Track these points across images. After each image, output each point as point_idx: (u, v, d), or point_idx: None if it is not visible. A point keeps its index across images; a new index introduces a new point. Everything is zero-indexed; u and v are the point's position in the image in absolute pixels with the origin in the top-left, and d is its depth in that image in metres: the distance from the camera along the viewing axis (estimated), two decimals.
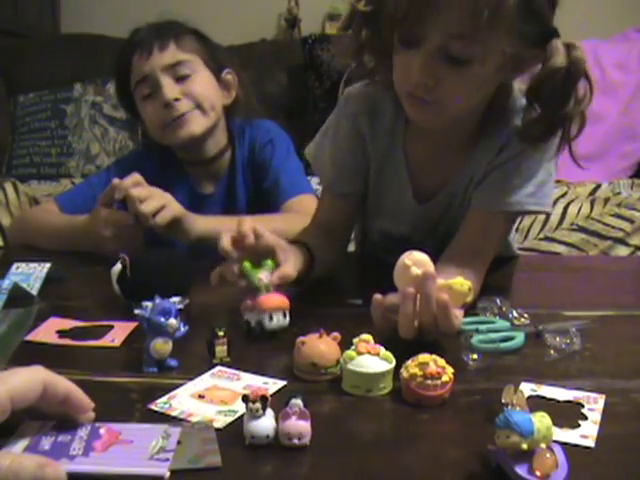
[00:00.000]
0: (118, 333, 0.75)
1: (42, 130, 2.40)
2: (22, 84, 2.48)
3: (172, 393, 0.60)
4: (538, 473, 0.46)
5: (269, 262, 0.79)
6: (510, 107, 0.94)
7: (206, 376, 0.64)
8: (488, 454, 0.50)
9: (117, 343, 0.72)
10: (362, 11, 0.86)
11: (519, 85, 0.94)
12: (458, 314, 0.71)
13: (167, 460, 0.47)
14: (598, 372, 0.68)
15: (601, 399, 0.60)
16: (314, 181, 1.44)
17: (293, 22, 2.80)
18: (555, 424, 0.49)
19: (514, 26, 0.79)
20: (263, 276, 0.77)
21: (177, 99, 1.21)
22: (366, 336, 0.64)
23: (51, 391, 0.49)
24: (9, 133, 2.43)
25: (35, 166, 2.36)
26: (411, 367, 0.60)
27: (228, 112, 1.32)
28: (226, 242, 0.80)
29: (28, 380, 0.48)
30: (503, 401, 0.53)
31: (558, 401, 0.60)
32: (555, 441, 0.49)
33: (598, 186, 2.12)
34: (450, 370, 0.60)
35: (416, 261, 0.70)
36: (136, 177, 1.05)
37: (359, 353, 0.62)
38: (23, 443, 0.48)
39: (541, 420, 0.48)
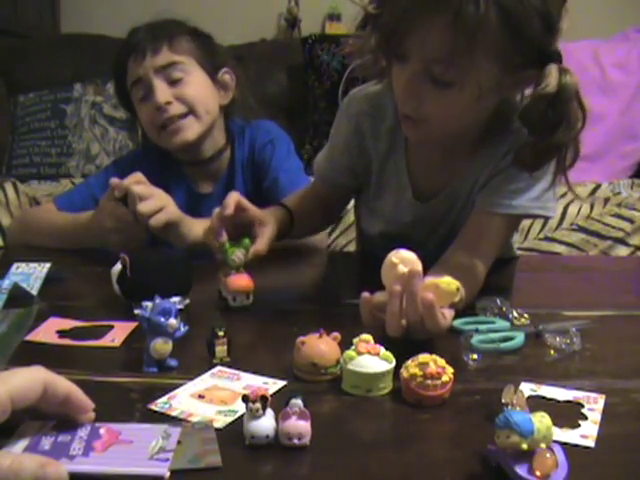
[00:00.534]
0: (118, 333, 0.75)
1: (42, 130, 2.40)
2: (22, 84, 2.48)
3: (172, 393, 0.60)
4: (538, 473, 0.46)
5: (246, 240, 0.87)
6: (514, 114, 0.94)
7: (206, 376, 0.64)
8: (488, 454, 0.50)
9: (117, 343, 0.72)
10: (373, 14, 0.86)
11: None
12: (447, 313, 0.71)
13: (167, 460, 0.47)
14: (598, 372, 0.68)
15: (601, 399, 0.60)
16: None
17: (293, 22, 2.80)
18: (555, 424, 0.49)
19: (497, 49, 0.77)
20: (236, 256, 0.85)
21: (169, 102, 1.21)
22: (366, 336, 0.64)
23: (51, 391, 0.49)
24: (9, 133, 2.43)
25: (35, 166, 2.36)
26: (411, 367, 0.60)
27: (226, 112, 1.32)
28: (216, 216, 0.87)
29: (28, 380, 0.48)
30: (503, 401, 0.53)
31: (558, 401, 0.60)
32: (555, 441, 0.49)
33: (598, 186, 2.12)
34: (450, 370, 0.60)
35: (403, 259, 0.70)
36: (138, 176, 1.05)
37: (359, 353, 0.62)
38: (23, 443, 0.48)
39: (541, 420, 0.48)
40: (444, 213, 1.03)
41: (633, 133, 2.37)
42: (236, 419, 0.55)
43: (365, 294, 0.72)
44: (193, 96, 1.23)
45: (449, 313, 0.72)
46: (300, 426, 0.51)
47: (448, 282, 0.70)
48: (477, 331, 0.73)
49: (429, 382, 0.59)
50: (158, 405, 0.58)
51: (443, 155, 0.99)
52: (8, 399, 0.46)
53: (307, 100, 2.50)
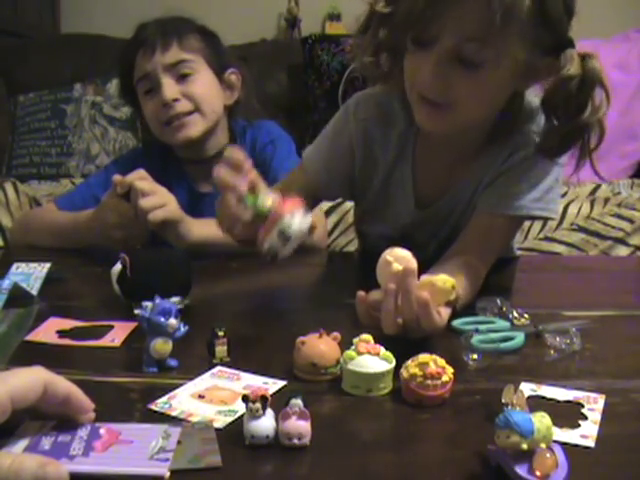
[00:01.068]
0: (118, 333, 0.75)
1: (42, 130, 2.40)
2: (22, 84, 2.48)
3: (172, 393, 0.60)
4: (538, 473, 0.46)
5: (262, 186, 0.78)
6: (521, 114, 0.94)
7: (206, 376, 0.64)
8: (488, 454, 0.50)
9: (117, 343, 0.72)
10: (381, 12, 0.86)
11: (532, 92, 0.94)
12: (443, 312, 0.71)
13: (167, 460, 0.47)
14: (598, 372, 0.68)
15: (601, 399, 0.60)
16: None
17: (293, 22, 2.80)
18: (555, 424, 0.49)
19: (527, 32, 0.79)
20: (265, 199, 0.75)
21: (176, 99, 1.21)
22: (366, 336, 0.64)
23: (51, 391, 0.49)
24: (9, 133, 2.42)
25: (35, 166, 2.36)
26: (411, 367, 0.60)
27: (230, 112, 1.32)
28: (223, 172, 0.77)
29: (28, 380, 0.48)
30: (503, 401, 0.53)
31: (558, 401, 0.60)
32: (555, 441, 0.49)
33: (598, 186, 2.12)
34: (450, 370, 0.60)
35: (397, 257, 0.70)
36: (141, 172, 1.05)
37: (359, 353, 0.62)
38: (23, 443, 0.48)
39: (541, 420, 0.48)
40: (445, 217, 1.03)
41: (633, 133, 2.37)
42: (236, 419, 0.55)
43: (360, 293, 0.72)
44: (200, 94, 1.23)
45: (445, 311, 0.72)
46: (300, 426, 0.51)
47: (444, 280, 0.70)
48: (477, 331, 0.73)
49: (429, 382, 0.59)
50: (158, 405, 0.58)
51: (449, 159, 0.99)
52: (8, 399, 0.46)
53: (307, 100, 2.50)
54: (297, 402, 0.51)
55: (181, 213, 1.06)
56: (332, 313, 0.83)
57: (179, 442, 0.50)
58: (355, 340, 0.64)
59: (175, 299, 0.73)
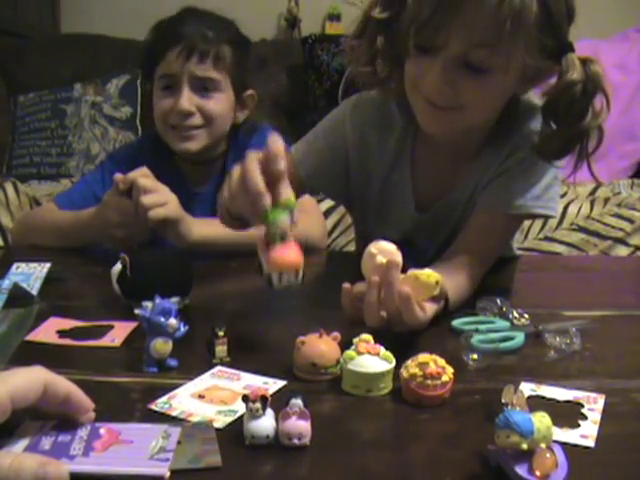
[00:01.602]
0: (118, 333, 0.75)
1: (42, 130, 2.40)
2: (22, 84, 2.49)
3: (172, 393, 0.60)
4: (538, 473, 0.46)
5: (291, 200, 0.68)
6: (518, 115, 0.94)
7: (206, 376, 0.64)
8: (488, 454, 0.50)
9: (117, 343, 0.72)
10: (377, 18, 0.86)
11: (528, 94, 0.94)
12: (427, 307, 0.71)
13: (167, 460, 0.47)
14: (598, 372, 0.68)
15: (601, 399, 0.60)
16: None
17: (293, 22, 2.81)
18: (555, 424, 0.49)
19: (534, 38, 0.79)
20: (282, 222, 0.67)
21: (191, 113, 1.21)
22: (366, 336, 0.64)
23: (51, 391, 0.49)
24: (9, 133, 2.43)
25: (35, 166, 2.36)
26: (411, 367, 0.60)
27: (235, 125, 1.32)
28: (258, 179, 0.67)
29: (28, 380, 0.48)
30: (503, 401, 0.53)
31: (558, 401, 0.60)
32: (555, 441, 0.49)
33: (598, 186, 2.12)
34: (450, 370, 0.60)
35: (382, 250, 0.70)
36: (144, 170, 1.05)
37: (359, 353, 0.62)
38: (23, 443, 0.48)
39: (541, 420, 0.48)
40: (445, 218, 1.03)
41: (633, 133, 2.38)
42: (236, 419, 0.55)
43: (346, 285, 0.72)
44: (215, 113, 1.23)
45: (429, 307, 0.72)
46: (300, 426, 0.51)
47: (428, 274, 0.70)
48: (477, 331, 0.73)
49: (429, 382, 0.59)
50: (158, 405, 0.58)
51: (448, 161, 0.99)
52: (8, 399, 0.46)
53: (307, 100, 2.50)
54: (297, 402, 0.51)
55: (182, 212, 1.06)
56: (332, 313, 0.83)
57: (179, 442, 0.50)
58: (355, 340, 0.64)
59: (175, 299, 0.73)
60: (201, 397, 0.59)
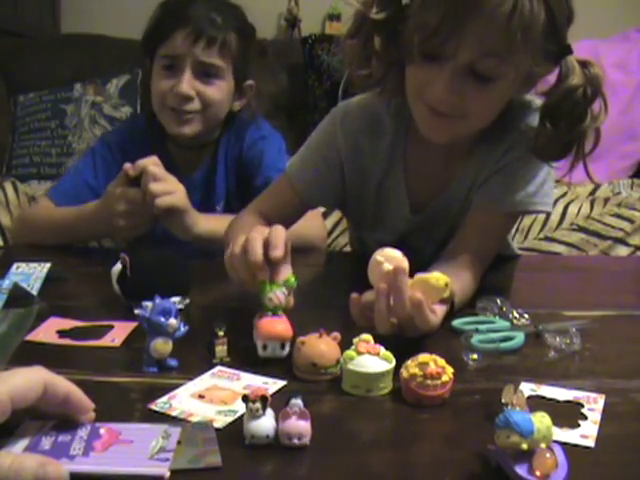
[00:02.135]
0: (118, 333, 0.75)
1: (42, 130, 2.40)
2: (22, 84, 2.48)
3: (172, 393, 0.60)
4: (538, 473, 0.46)
5: (291, 279, 0.73)
6: (513, 112, 0.94)
7: (206, 376, 0.64)
8: (488, 454, 0.50)
9: (117, 343, 0.72)
10: (373, 19, 0.85)
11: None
12: (437, 310, 0.71)
13: (167, 460, 0.47)
14: (598, 372, 0.68)
15: (601, 399, 0.60)
16: None
17: (293, 22, 2.80)
18: (555, 424, 0.49)
19: (540, 45, 0.79)
20: (275, 295, 0.70)
21: (190, 98, 1.21)
22: (366, 336, 0.64)
23: (51, 391, 0.49)
24: (9, 133, 2.42)
25: (35, 166, 2.36)
26: (411, 367, 0.60)
27: (231, 113, 1.31)
28: (259, 254, 0.72)
29: (28, 380, 0.48)
30: (503, 401, 0.53)
31: (558, 401, 0.60)
32: (555, 441, 0.49)
33: (598, 186, 2.12)
34: (450, 370, 0.60)
35: (388, 257, 0.70)
36: (154, 159, 1.06)
37: (359, 353, 0.62)
38: (23, 443, 0.48)
39: (541, 420, 0.48)
40: (440, 218, 1.03)
41: (633, 133, 2.37)
42: (236, 419, 0.55)
43: (354, 295, 0.72)
44: (214, 100, 1.23)
45: (440, 309, 0.72)
46: (300, 426, 0.51)
47: (437, 278, 0.70)
48: (477, 331, 0.73)
49: (429, 382, 0.59)
50: (158, 405, 0.58)
51: (441, 161, 0.99)
52: (8, 399, 0.46)
53: (307, 100, 2.50)
54: (297, 402, 0.51)
55: (188, 203, 1.06)
56: (332, 313, 0.83)
57: (179, 442, 0.50)
58: (355, 340, 0.64)
59: (175, 299, 0.73)
60: (201, 397, 0.59)
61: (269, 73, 2.38)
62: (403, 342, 0.69)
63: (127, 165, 1.05)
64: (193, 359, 0.68)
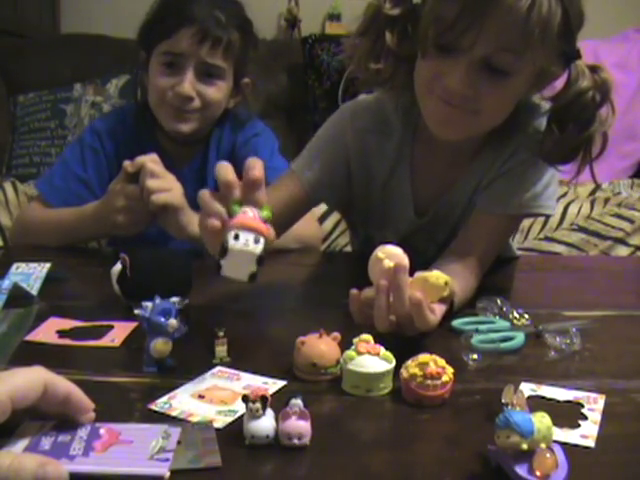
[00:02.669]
0: (118, 333, 0.75)
1: (42, 130, 2.40)
2: (22, 84, 2.48)
3: (172, 393, 0.60)
4: (538, 473, 0.46)
5: (267, 210, 0.65)
6: (519, 114, 0.94)
7: (206, 376, 0.64)
8: (488, 454, 0.50)
9: (117, 343, 0.72)
10: (389, 15, 0.85)
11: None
12: (436, 309, 0.71)
13: (167, 460, 0.47)
14: (598, 372, 0.68)
15: (601, 399, 0.61)
16: None
17: (293, 22, 2.80)
18: (555, 424, 0.49)
19: (556, 44, 0.80)
20: (252, 211, 0.63)
21: (191, 98, 1.20)
22: (366, 336, 0.64)
23: (51, 391, 0.49)
24: (9, 133, 2.42)
25: (35, 166, 2.36)
26: (411, 367, 0.60)
27: (225, 109, 1.31)
28: (229, 171, 0.67)
29: (29, 380, 0.48)
30: (503, 401, 0.53)
31: (558, 401, 0.60)
32: (555, 441, 0.49)
33: (598, 186, 2.12)
34: (450, 370, 0.60)
35: (388, 254, 0.70)
36: (154, 156, 1.06)
37: (359, 353, 0.62)
38: (23, 443, 0.48)
39: (541, 420, 0.48)
40: (444, 219, 1.02)
41: (633, 133, 2.38)
42: (236, 419, 0.55)
43: (353, 291, 0.72)
44: (213, 100, 1.23)
45: (439, 308, 0.72)
46: (300, 426, 0.51)
47: (437, 276, 0.70)
48: (477, 331, 0.73)
49: (429, 382, 0.59)
50: (158, 405, 0.58)
51: (447, 163, 0.99)
52: (8, 399, 0.46)
53: (307, 100, 2.50)
54: (297, 402, 0.51)
55: (184, 202, 1.05)
56: (332, 313, 0.83)
57: (179, 442, 0.50)
58: (355, 340, 0.64)
59: (175, 299, 0.73)
60: (201, 397, 0.59)
61: (264, 69, 2.38)
62: (403, 342, 0.69)
63: (126, 162, 1.05)
64: (193, 359, 0.68)
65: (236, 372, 0.65)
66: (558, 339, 0.73)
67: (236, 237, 0.61)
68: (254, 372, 0.65)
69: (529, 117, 0.94)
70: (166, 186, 1.03)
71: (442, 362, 0.60)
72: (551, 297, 0.96)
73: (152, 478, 0.46)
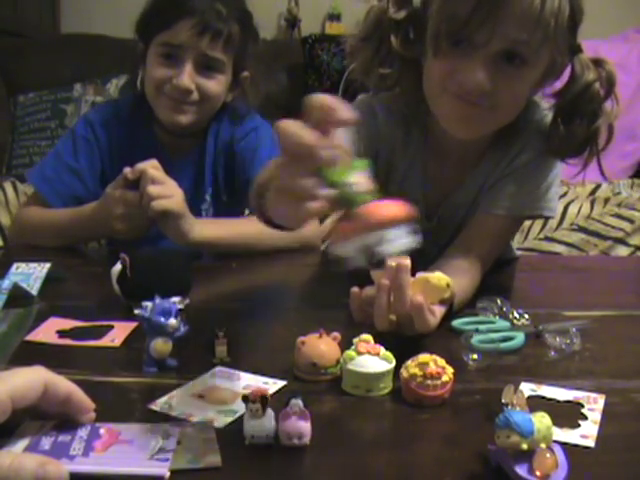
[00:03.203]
0: (118, 333, 0.74)
1: (42, 130, 2.40)
2: (22, 84, 2.48)
3: (172, 393, 0.60)
4: (538, 473, 0.46)
5: (359, 161, 0.50)
6: (526, 123, 0.93)
7: (206, 376, 0.64)
8: (488, 454, 0.50)
9: (117, 343, 0.72)
10: (394, 18, 0.85)
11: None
12: (437, 310, 0.71)
13: (167, 460, 0.47)
14: (598, 372, 0.68)
15: (601, 399, 0.60)
16: None
17: (293, 22, 2.80)
18: (555, 424, 0.49)
19: (563, 35, 0.80)
20: (357, 180, 0.48)
21: (189, 91, 1.20)
22: (366, 336, 0.64)
23: (52, 391, 0.49)
24: (9, 133, 2.42)
25: None
26: (411, 367, 0.60)
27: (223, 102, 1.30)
28: (310, 134, 0.51)
29: (29, 380, 0.48)
30: (503, 401, 0.53)
31: (558, 401, 0.60)
32: (555, 441, 0.49)
33: (598, 186, 2.12)
34: (450, 370, 0.60)
35: None
36: (154, 162, 1.05)
37: (359, 353, 0.62)
38: (23, 443, 0.48)
39: (541, 420, 0.48)
40: (448, 221, 1.02)
41: (633, 133, 2.38)
42: (236, 419, 0.55)
43: (354, 289, 0.72)
44: (212, 93, 1.21)
45: (439, 310, 0.72)
46: (300, 426, 0.51)
47: (439, 278, 0.70)
48: (477, 331, 0.73)
49: (429, 382, 0.59)
50: (158, 405, 0.58)
51: (454, 166, 0.98)
52: (8, 399, 0.46)
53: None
54: (297, 402, 0.51)
55: (185, 209, 1.05)
56: (332, 313, 0.83)
57: (179, 442, 0.50)
58: (355, 340, 0.64)
59: (175, 299, 0.73)
60: (201, 397, 0.59)
61: (264, 63, 2.37)
62: (403, 342, 0.69)
63: (126, 169, 1.04)
64: (193, 359, 0.68)
65: (236, 372, 0.65)
66: (558, 339, 0.73)
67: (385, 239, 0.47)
68: (254, 372, 0.64)
69: (531, 115, 0.94)
70: (167, 193, 1.02)
71: (442, 362, 0.60)
72: (551, 297, 0.96)
73: (152, 478, 0.46)
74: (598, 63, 0.84)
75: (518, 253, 1.23)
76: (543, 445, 0.47)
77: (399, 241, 0.48)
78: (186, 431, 0.52)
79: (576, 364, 0.70)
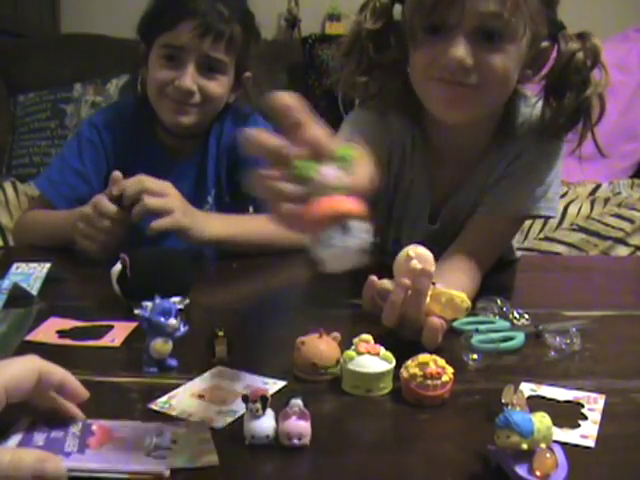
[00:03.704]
0: (118, 333, 0.74)
1: (42, 130, 2.40)
2: (22, 84, 2.48)
3: (172, 393, 0.60)
4: (538, 473, 0.46)
5: (345, 151, 0.49)
6: (521, 119, 0.94)
7: (206, 376, 0.64)
8: (488, 454, 0.50)
9: (117, 343, 0.72)
10: (371, 29, 0.87)
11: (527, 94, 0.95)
12: (444, 327, 0.71)
13: (164, 458, 0.47)
14: (598, 372, 0.68)
15: (601, 399, 0.60)
16: None
17: (293, 22, 2.80)
18: (555, 424, 0.49)
19: (538, 9, 0.82)
20: (324, 173, 0.47)
21: (192, 92, 1.20)
22: (366, 336, 0.64)
23: (46, 378, 0.49)
24: (9, 133, 2.42)
25: (35, 166, 2.35)
26: (411, 367, 0.60)
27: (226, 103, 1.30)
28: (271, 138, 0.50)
29: (23, 370, 0.48)
30: (503, 401, 0.53)
31: (558, 401, 0.60)
32: (555, 441, 0.49)
33: (598, 186, 2.12)
34: (450, 370, 0.60)
35: (419, 255, 0.70)
36: (143, 176, 1.03)
37: (359, 353, 0.62)
38: (15, 439, 0.48)
39: (541, 420, 0.48)
40: (449, 227, 1.02)
41: (633, 133, 2.37)
42: (236, 419, 0.55)
43: (372, 277, 0.72)
44: (215, 95, 1.21)
45: (446, 326, 0.72)
46: (300, 426, 0.51)
47: (462, 299, 0.69)
48: (477, 331, 0.73)
49: (429, 382, 0.59)
50: (158, 405, 0.58)
51: (454, 169, 0.98)
52: (2, 389, 0.46)
53: (307, 100, 2.50)
54: (297, 402, 0.51)
55: (189, 220, 1.02)
56: (332, 313, 0.83)
57: (175, 442, 0.50)
58: (355, 340, 0.64)
59: (175, 299, 0.73)
60: (201, 397, 0.59)
61: (266, 63, 2.37)
62: (403, 342, 0.69)
63: (116, 173, 1.03)
64: (193, 359, 0.68)
65: (236, 372, 0.65)
66: (558, 339, 0.73)
67: (344, 229, 0.47)
68: (254, 372, 0.65)
69: (524, 106, 0.94)
70: (167, 208, 1.01)
71: (442, 362, 0.60)
72: (551, 297, 0.96)
73: (152, 475, 0.46)
74: (582, 36, 0.86)
75: (518, 253, 1.23)
76: (543, 445, 0.47)
77: (356, 237, 0.47)
78: (182, 431, 0.52)
79: (576, 364, 0.70)
